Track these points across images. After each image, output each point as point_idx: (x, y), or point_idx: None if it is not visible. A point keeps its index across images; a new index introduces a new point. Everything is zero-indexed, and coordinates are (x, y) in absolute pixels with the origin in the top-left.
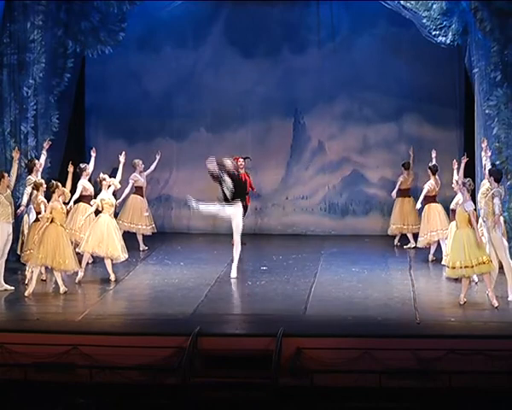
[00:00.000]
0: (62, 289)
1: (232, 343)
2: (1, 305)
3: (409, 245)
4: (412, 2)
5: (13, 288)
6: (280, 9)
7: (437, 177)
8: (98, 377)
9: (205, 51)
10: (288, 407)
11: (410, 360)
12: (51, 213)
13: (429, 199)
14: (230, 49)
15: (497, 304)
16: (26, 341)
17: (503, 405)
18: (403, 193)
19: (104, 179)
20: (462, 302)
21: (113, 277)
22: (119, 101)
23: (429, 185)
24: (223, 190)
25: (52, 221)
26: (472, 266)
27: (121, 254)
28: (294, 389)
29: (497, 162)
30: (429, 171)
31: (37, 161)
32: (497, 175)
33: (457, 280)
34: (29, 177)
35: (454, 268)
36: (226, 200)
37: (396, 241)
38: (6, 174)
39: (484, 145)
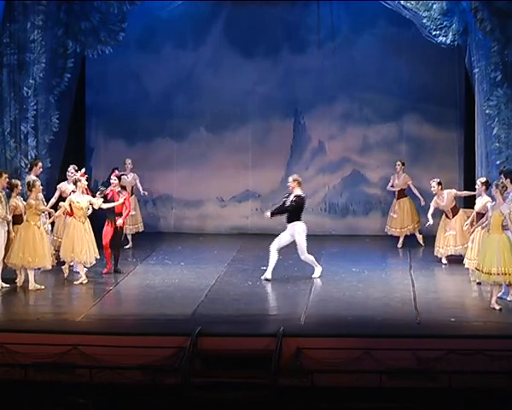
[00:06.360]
0: (33, 286)
1: (232, 343)
2: (1, 305)
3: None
4: (412, 2)
5: (8, 285)
6: (280, 9)
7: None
8: (98, 377)
9: (205, 51)
10: (288, 407)
11: (410, 360)
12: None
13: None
14: (230, 49)
15: (499, 307)
16: (26, 341)
17: (503, 405)
18: (403, 194)
19: (79, 181)
20: (497, 307)
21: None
22: (119, 101)
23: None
24: None
25: (28, 220)
26: (510, 274)
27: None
28: (294, 389)
29: (497, 162)
30: (438, 186)
31: (40, 163)
32: None
33: (458, 281)
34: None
35: (490, 274)
36: None
37: (400, 244)
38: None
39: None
